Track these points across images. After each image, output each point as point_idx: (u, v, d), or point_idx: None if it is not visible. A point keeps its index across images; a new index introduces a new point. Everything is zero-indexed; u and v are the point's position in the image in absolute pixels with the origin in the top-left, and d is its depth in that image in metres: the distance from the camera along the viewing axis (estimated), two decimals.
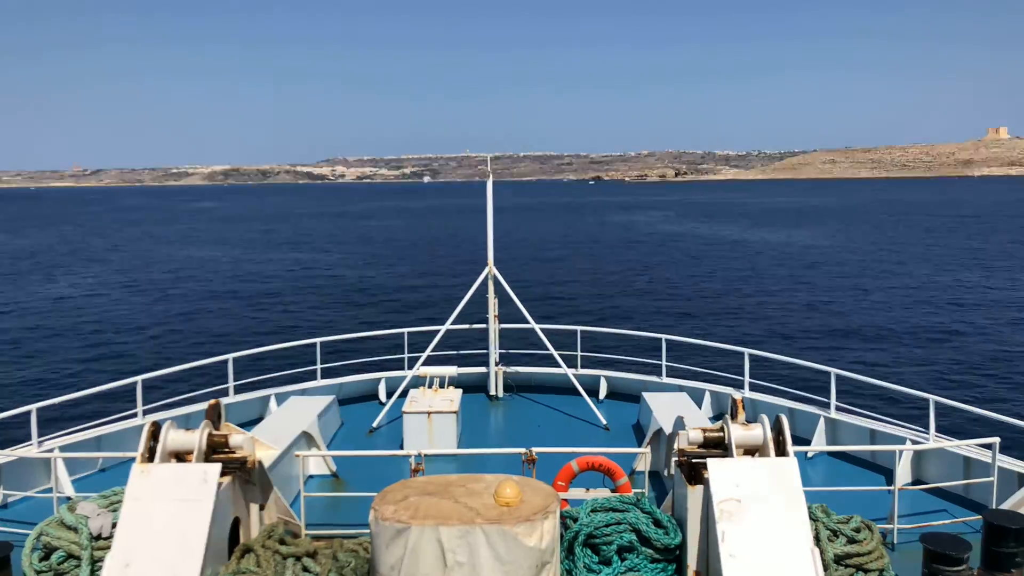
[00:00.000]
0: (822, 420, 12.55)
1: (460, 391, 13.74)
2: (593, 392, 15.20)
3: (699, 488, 6.57)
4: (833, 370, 12.52)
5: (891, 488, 9.21)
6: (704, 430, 6.98)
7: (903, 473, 10.65)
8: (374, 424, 13.81)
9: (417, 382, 14.15)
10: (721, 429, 6.87)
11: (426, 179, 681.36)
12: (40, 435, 10.95)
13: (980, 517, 7.23)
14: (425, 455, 8.35)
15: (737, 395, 8.22)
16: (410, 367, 15.23)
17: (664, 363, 15.13)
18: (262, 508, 7.32)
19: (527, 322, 15.03)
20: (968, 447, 10.52)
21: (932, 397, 11.01)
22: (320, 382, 15.19)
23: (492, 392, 15.51)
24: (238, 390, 14.09)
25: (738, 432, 6.74)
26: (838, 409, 12.60)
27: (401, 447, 12.29)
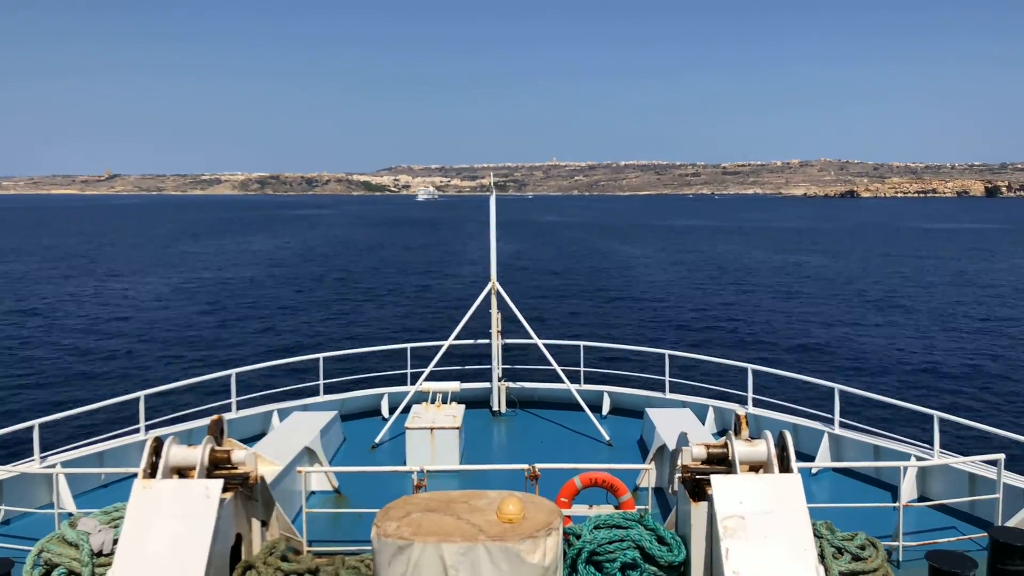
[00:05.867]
0: (826, 436, 12.51)
1: (463, 407, 13.73)
2: (596, 408, 15.17)
3: (703, 505, 6.54)
4: (837, 386, 12.49)
5: (896, 505, 9.17)
6: (708, 446, 6.95)
7: (908, 490, 10.60)
8: (376, 440, 13.78)
9: (420, 398, 14.14)
10: (725, 445, 6.85)
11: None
12: (42, 451, 10.94)
13: (986, 534, 7.20)
14: (428, 471, 8.33)
15: (741, 411, 8.20)
16: (413, 383, 15.22)
17: (667, 379, 15.11)
18: (264, 524, 7.29)
19: (530, 337, 15.03)
20: (973, 463, 10.46)
21: (936, 413, 10.97)
22: (322, 398, 15.18)
23: (495, 408, 15.49)
24: (241, 406, 14.09)
25: (742, 448, 6.71)
26: (842, 425, 12.56)
27: (404, 463, 12.26)
